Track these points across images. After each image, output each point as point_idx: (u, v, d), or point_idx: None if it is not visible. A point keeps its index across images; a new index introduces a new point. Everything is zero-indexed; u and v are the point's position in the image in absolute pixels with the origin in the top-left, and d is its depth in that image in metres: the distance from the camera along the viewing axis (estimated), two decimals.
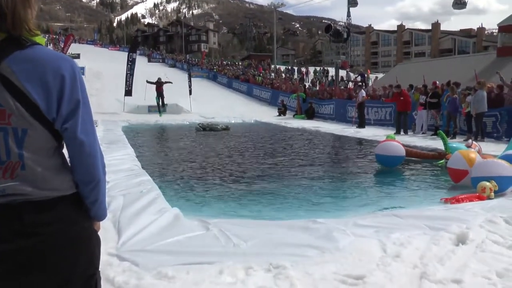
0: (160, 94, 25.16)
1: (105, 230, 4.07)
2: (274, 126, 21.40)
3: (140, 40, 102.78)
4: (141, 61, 41.25)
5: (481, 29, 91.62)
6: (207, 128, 18.53)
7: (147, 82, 24.81)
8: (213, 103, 29.61)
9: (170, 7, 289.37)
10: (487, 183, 6.17)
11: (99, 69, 35.04)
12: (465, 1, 33.80)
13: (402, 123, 16.89)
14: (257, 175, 8.73)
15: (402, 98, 16.85)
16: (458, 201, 5.91)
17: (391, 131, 16.55)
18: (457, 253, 3.87)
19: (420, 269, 3.55)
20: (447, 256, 3.80)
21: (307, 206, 6.25)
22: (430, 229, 4.51)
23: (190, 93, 27.84)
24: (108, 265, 3.52)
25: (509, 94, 14.28)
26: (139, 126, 20.32)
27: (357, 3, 49.48)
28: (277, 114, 27.42)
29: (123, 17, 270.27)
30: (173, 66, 50.68)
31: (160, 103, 25.49)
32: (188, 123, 22.34)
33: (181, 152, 12.07)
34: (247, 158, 11.06)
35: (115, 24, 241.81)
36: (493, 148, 10.99)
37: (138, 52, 37.27)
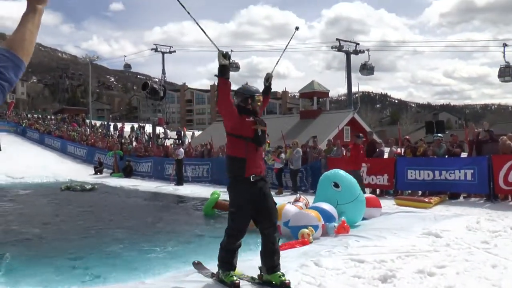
0: None
1: None
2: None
3: None
4: None
5: (285, 93, 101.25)
6: (70, 188, 18.06)
7: None
8: (22, 161, 27.29)
9: None
10: (306, 230, 7.03)
11: None
12: (372, 67, 36.18)
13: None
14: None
15: (362, 152, 13.76)
16: (281, 248, 6.57)
17: (209, 188, 17.27)
18: None
19: None
20: None
21: (132, 267, 6.28)
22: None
23: None
24: None
25: (311, 152, 16.13)
26: None
27: (130, 67, 51.86)
28: (94, 172, 26.46)
29: None
30: None
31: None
32: None
33: None
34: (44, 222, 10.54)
35: None
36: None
37: None
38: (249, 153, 4.62)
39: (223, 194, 12.93)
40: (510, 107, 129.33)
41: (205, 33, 4.86)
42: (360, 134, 14.37)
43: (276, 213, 4.83)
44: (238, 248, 4.77)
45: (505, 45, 29.35)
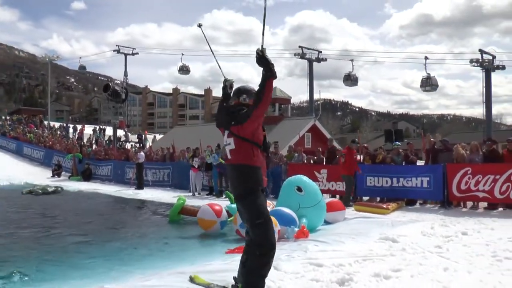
0: None
1: None
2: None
3: None
4: None
5: None
6: (33, 192, 17.46)
7: None
8: None
9: None
10: None
11: None
12: (356, 78, 34.96)
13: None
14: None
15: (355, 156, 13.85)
16: (240, 250, 6.57)
17: (170, 192, 17.20)
18: None
19: None
20: None
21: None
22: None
23: None
24: None
25: (272, 157, 16.23)
26: None
27: (85, 69, 51.58)
28: (51, 175, 25.86)
29: None
30: None
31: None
32: None
33: None
34: None
35: None
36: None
37: None
38: (262, 161, 4.24)
39: (189, 200, 12.85)
40: (464, 118, 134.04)
41: (264, 22, 4.19)
42: (356, 139, 14.55)
43: None
44: (268, 272, 4.21)
45: (426, 58, 30.82)
